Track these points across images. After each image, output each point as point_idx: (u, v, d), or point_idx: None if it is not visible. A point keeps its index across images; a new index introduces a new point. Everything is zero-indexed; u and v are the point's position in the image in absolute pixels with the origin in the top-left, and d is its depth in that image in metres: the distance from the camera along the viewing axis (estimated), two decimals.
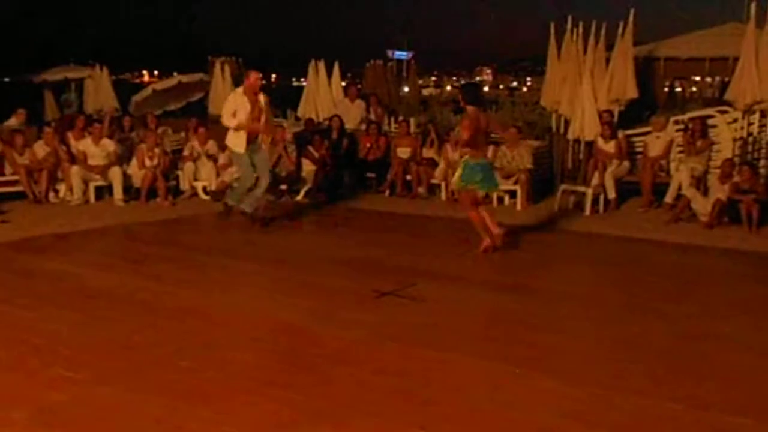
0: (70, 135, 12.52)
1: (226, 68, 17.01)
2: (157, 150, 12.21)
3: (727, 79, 13.14)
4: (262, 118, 9.62)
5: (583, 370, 4.95)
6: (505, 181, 11.88)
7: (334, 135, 13.47)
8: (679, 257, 8.54)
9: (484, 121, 8.40)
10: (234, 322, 5.95)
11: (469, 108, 8.24)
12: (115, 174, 11.79)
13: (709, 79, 17.90)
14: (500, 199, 11.95)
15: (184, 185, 12.54)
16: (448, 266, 7.88)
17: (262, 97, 9.62)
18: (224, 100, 16.21)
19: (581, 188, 11.60)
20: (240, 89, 9.71)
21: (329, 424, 4.13)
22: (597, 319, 6.14)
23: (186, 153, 12.77)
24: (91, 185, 11.88)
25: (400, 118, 15.11)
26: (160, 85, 19.29)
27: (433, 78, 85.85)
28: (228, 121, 9.52)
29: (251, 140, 9.56)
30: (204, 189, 12.46)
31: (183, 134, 14.13)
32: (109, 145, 12.23)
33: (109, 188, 11.92)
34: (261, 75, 9.79)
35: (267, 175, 9.83)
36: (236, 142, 9.56)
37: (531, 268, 7.99)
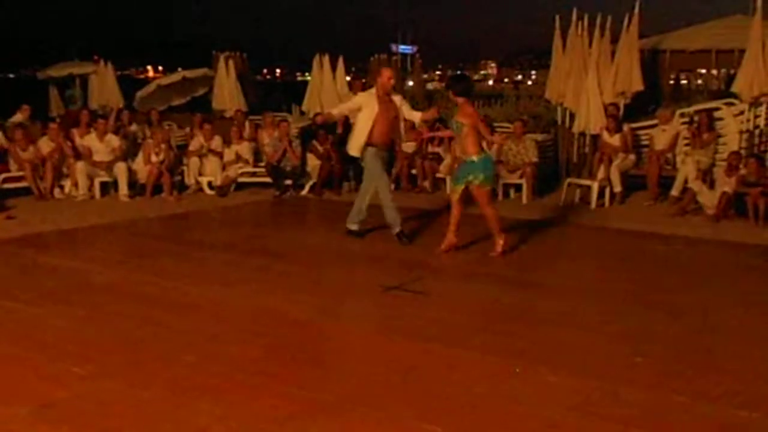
0: (74, 131, 12.53)
1: (231, 63, 16.97)
2: (163, 145, 12.20)
3: (733, 71, 13.10)
4: (415, 117, 8.94)
5: (589, 363, 4.93)
6: (510, 174, 11.88)
7: (340, 130, 13.43)
8: (685, 250, 8.50)
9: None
10: (239, 317, 5.94)
11: (460, 99, 7.96)
12: (120, 169, 11.79)
13: (714, 72, 17.82)
14: (506, 193, 11.93)
15: (189, 180, 12.54)
16: (453, 260, 7.86)
17: (397, 100, 8.74)
18: (228, 95, 16.49)
19: (587, 182, 11.56)
20: (372, 90, 8.75)
21: (334, 417, 4.12)
22: (603, 312, 6.12)
23: (192, 148, 12.77)
24: (96, 181, 11.88)
25: None
26: (165, 81, 19.25)
27: (438, 72, 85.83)
28: (335, 109, 9.31)
29: (384, 143, 8.63)
30: (209, 184, 12.46)
31: (188, 129, 14.13)
32: (114, 140, 12.22)
33: (114, 184, 11.92)
34: (393, 73, 8.92)
35: (367, 191, 8.82)
36: (352, 144, 8.73)
37: (537, 262, 7.97)
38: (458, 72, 9.34)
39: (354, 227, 8.84)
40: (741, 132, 11.34)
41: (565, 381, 4.62)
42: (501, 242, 7.89)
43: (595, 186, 11.30)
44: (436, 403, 4.31)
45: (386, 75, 8.62)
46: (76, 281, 6.97)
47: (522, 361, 4.96)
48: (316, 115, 13.68)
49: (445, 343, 5.29)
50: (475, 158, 7.83)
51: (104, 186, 11.99)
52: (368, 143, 8.50)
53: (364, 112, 8.52)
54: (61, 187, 11.89)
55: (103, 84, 17.88)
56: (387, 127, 8.55)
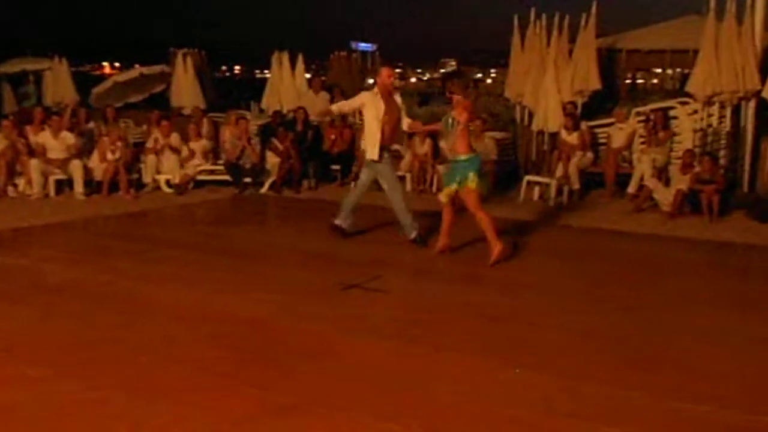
0: (28, 128, 12.30)
1: (188, 60, 16.81)
2: (119, 143, 12.04)
3: (687, 71, 13.30)
4: (405, 122, 8.49)
5: (548, 360, 4.98)
6: None
7: (299, 127, 13.40)
8: (641, 247, 8.62)
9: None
10: (197, 316, 5.88)
11: (457, 96, 7.62)
12: (76, 167, 11.61)
13: (670, 71, 18.11)
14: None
15: (147, 178, 12.40)
16: (413, 258, 7.88)
17: (398, 99, 8.50)
18: (186, 93, 16.33)
19: (545, 179, 11.67)
20: (375, 90, 8.44)
21: (294, 417, 4.10)
22: (560, 309, 6.18)
23: (149, 145, 12.62)
24: (51, 179, 11.68)
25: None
26: (122, 77, 19.04)
27: (398, 70, 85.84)
28: (334, 106, 9.09)
29: (390, 144, 8.50)
30: (167, 182, 12.33)
31: (145, 127, 13.96)
32: (69, 138, 12.03)
33: (70, 182, 11.73)
34: (393, 72, 8.66)
35: (398, 191, 8.54)
36: (370, 149, 8.38)
37: None
38: (453, 68, 9.17)
39: (338, 222, 8.68)
40: (695, 130, 11.54)
41: (524, 378, 4.66)
42: (496, 250, 7.49)
43: (554, 183, 11.42)
44: (395, 401, 4.31)
45: (385, 73, 8.34)
46: (29, 281, 6.84)
47: (481, 358, 4.99)
48: (299, 108, 13.64)
49: (404, 342, 5.30)
50: (464, 157, 7.60)
51: (59, 184, 11.80)
52: (382, 146, 8.26)
53: (370, 112, 8.26)
54: (15, 186, 11.67)
55: (58, 80, 17.61)
56: (394, 128, 8.37)
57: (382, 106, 8.18)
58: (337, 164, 13.27)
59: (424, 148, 12.43)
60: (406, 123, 8.47)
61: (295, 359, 4.93)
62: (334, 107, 9.10)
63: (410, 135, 12.80)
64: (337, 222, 8.59)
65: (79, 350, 5.07)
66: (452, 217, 7.81)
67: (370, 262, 7.60)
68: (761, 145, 11.37)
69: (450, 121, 7.61)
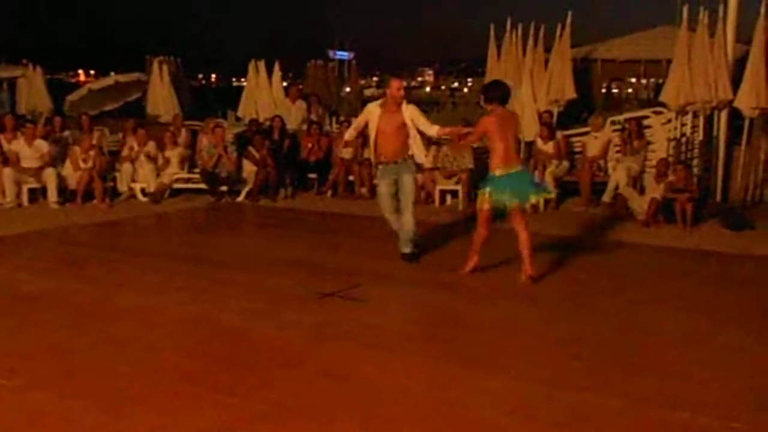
0: (1, 136, 12.17)
1: (164, 68, 16.71)
2: (92, 152, 11.94)
3: (661, 80, 13.48)
4: (411, 135, 7.87)
5: (525, 367, 4.99)
6: (446, 180, 11.98)
7: (276, 135, 13.37)
8: (616, 255, 8.68)
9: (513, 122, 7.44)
10: (173, 325, 5.84)
11: (491, 107, 7.17)
12: (50, 176, 11.50)
13: (644, 81, 18.33)
14: (442, 199, 12.02)
15: (122, 187, 12.31)
16: (391, 267, 7.87)
17: (409, 111, 7.84)
18: (162, 100, 16.23)
19: None
20: (380, 102, 8.02)
21: (272, 426, 4.08)
22: (538, 316, 6.21)
23: (124, 153, 12.54)
24: (24, 187, 11.57)
25: (342, 118, 15.08)
26: (96, 85, 18.86)
27: (375, 78, 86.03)
28: (347, 133, 8.53)
29: (391, 157, 7.86)
30: (142, 191, 12.25)
31: (120, 135, 13.85)
32: (43, 146, 11.91)
33: (43, 190, 11.63)
34: (403, 84, 8.07)
35: (410, 206, 7.88)
36: (375, 157, 8.10)
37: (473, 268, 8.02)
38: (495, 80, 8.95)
39: (406, 250, 8.05)
40: (669, 140, 11.68)
41: (503, 384, 4.67)
42: (472, 264, 7.42)
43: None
44: (374, 409, 4.30)
45: (395, 85, 7.84)
46: (3, 290, 6.76)
47: (460, 365, 4.99)
48: (275, 117, 13.57)
49: (382, 349, 5.29)
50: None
51: (33, 192, 11.68)
52: (377, 161, 8.01)
53: (371, 124, 7.92)
54: None
55: (32, 88, 17.39)
56: (393, 142, 7.80)
57: (376, 119, 7.84)
58: (314, 172, 13.26)
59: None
60: (433, 130, 7.99)
61: (272, 368, 4.91)
62: (347, 135, 8.67)
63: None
64: (406, 250, 8.04)
65: (55, 360, 5.01)
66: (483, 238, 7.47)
67: (348, 271, 7.59)
68: (733, 155, 11.54)
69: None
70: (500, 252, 7.96)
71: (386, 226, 8.16)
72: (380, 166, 8.00)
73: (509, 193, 7.04)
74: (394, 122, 7.79)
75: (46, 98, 17.17)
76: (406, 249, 8.00)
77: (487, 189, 7.14)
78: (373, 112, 7.90)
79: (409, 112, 7.85)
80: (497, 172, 7.09)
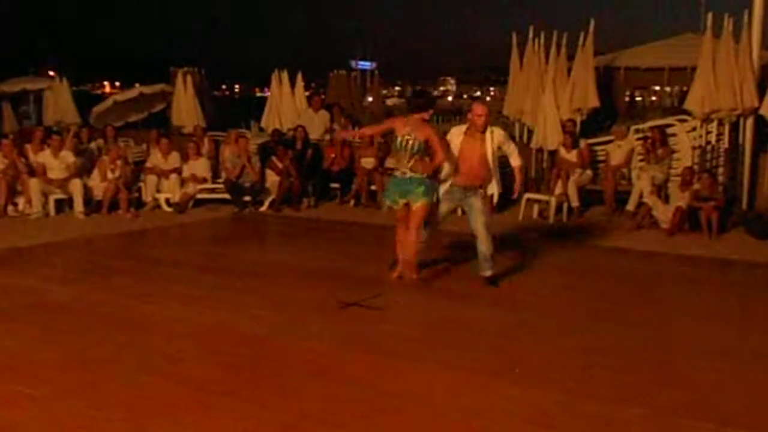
0: (28, 147, 12.33)
1: (189, 79, 16.86)
2: (119, 162, 12.07)
3: (685, 88, 13.37)
4: (515, 160, 7.79)
5: (548, 377, 4.97)
6: None
7: (298, 145, 13.43)
8: (641, 264, 8.63)
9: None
10: (197, 336, 5.87)
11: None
12: (76, 186, 11.63)
13: (668, 89, 18.19)
14: (464, 210, 11.97)
15: (147, 197, 12.42)
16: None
17: (494, 137, 7.55)
18: (186, 111, 16.37)
19: (545, 197, 11.69)
20: (463, 127, 7.71)
21: None
22: (561, 326, 6.17)
23: (149, 165, 12.65)
24: (51, 198, 11.70)
25: None
26: (121, 96, 19.09)
27: (397, 88, 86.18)
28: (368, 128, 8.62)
29: (464, 183, 7.58)
30: (167, 201, 12.35)
31: (145, 146, 14.00)
32: (69, 157, 12.05)
33: (70, 201, 11.75)
34: (486, 110, 7.64)
35: (481, 230, 7.56)
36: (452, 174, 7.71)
37: None
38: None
39: (486, 273, 7.62)
40: (694, 148, 11.59)
41: (523, 394, 4.65)
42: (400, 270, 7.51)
43: (553, 201, 11.43)
44: (396, 418, 4.30)
45: (477, 112, 7.53)
46: (29, 300, 6.83)
47: (480, 374, 4.98)
48: (298, 127, 13.68)
49: (404, 358, 5.29)
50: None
51: (59, 203, 11.81)
52: (444, 179, 7.65)
53: (451, 145, 7.59)
54: (15, 205, 11.68)
55: (58, 100, 17.62)
56: (473, 168, 7.50)
57: (466, 141, 7.53)
58: (337, 182, 13.30)
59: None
60: (518, 162, 7.83)
61: (295, 377, 4.92)
62: (368, 130, 9.08)
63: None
64: (488, 274, 7.62)
65: (80, 369, 5.06)
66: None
67: (369, 280, 7.60)
68: (759, 162, 11.42)
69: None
70: (522, 262, 7.94)
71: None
72: (449, 185, 7.64)
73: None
74: (476, 150, 7.51)
75: (73, 110, 17.39)
76: (492, 270, 7.58)
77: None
78: (456, 135, 7.61)
79: (497, 140, 7.58)
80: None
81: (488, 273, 7.54)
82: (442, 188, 7.64)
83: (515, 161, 7.79)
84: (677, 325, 6.24)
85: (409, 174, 7.31)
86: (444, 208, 7.71)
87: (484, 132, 7.53)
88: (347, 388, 4.74)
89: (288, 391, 4.70)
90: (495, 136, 7.55)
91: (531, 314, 6.52)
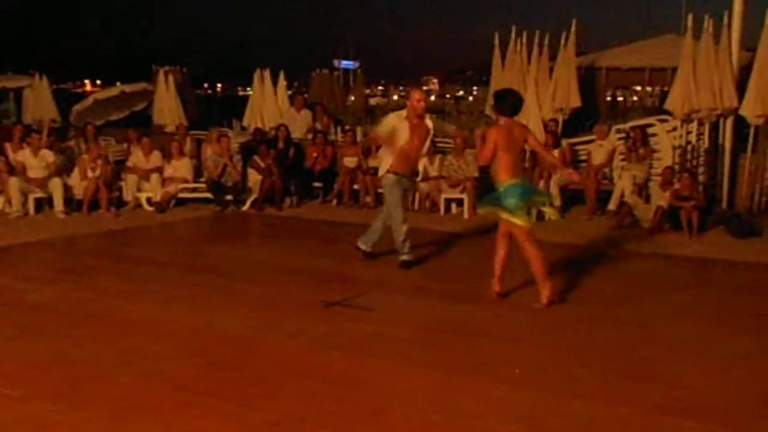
0: (8, 146, 12.21)
1: (170, 78, 16.76)
2: (99, 161, 11.98)
3: (666, 88, 13.46)
4: (425, 146, 8.11)
5: (532, 376, 4.98)
6: (451, 189, 11.97)
7: (281, 144, 13.39)
8: (622, 263, 8.66)
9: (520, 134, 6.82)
10: (178, 335, 5.84)
11: (501, 119, 6.78)
12: (56, 185, 11.52)
13: (649, 89, 18.29)
14: (447, 208, 12.01)
15: (128, 196, 12.33)
16: (396, 275, 7.86)
17: (429, 122, 8.06)
18: (168, 110, 16.28)
19: None
20: (402, 112, 8.07)
21: None
22: (544, 325, 6.19)
23: (129, 164, 12.57)
24: (31, 197, 11.59)
25: (347, 127, 15.10)
26: (102, 95, 18.92)
27: (380, 87, 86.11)
28: (383, 137, 8.07)
29: (408, 170, 8.02)
30: (148, 200, 12.27)
31: (125, 145, 13.89)
32: (49, 155, 11.94)
33: (50, 200, 11.64)
34: (424, 95, 8.11)
35: (399, 219, 8.00)
36: (385, 167, 8.05)
37: (478, 277, 7.97)
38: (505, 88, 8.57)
39: (364, 247, 8.35)
40: (674, 148, 11.66)
41: (508, 394, 4.66)
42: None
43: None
44: (382, 418, 4.29)
45: (415, 97, 7.92)
46: (8, 300, 6.76)
47: (465, 374, 4.98)
48: (280, 126, 13.62)
49: (387, 358, 5.28)
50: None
51: (39, 202, 11.70)
52: (390, 170, 7.97)
53: (397, 135, 7.89)
54: None
55: (38, 98, 17.46)
56: (414, 154, 7.99)
57: (407, 131, 7.87)
58: (320, 181, 13.27)
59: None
60: (451, 128, 8.25)
61: (278, 377, 4.90)
62: (377, 136, 8.39)
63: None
64: (405, 258, 8.07)
65: (59, 369, 5.01)
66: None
67: (353, 280, 7.59)
68: (739, 162, 11.51)
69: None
70: (506, 262, 7.93)
71: (390, 234, 8.15)
72: (395, 177, 7.94)
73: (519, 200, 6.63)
74: (417, 136, 7.86)
75: (53, 108, 17.22)
76: (409, 257, 8.07)
77: (512, 202, 6.58)
78: (397, 121, 7.90)
79: (432, 125, 8.00)
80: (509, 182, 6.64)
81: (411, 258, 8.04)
82: (387, 180, 7.93)
83: (452, 129, 8.02)
84: (659, 323, 6.27)
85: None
86: (399, 201, 7.98)
87: (422, 118, 7.88)
88: (330, 388, 4.72)
89: (270, 390, 4.68)
90: (431, 121, 8.01)
91: (516, 314, 6.52)
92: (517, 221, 6.59)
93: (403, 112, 8.04)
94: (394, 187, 7.97)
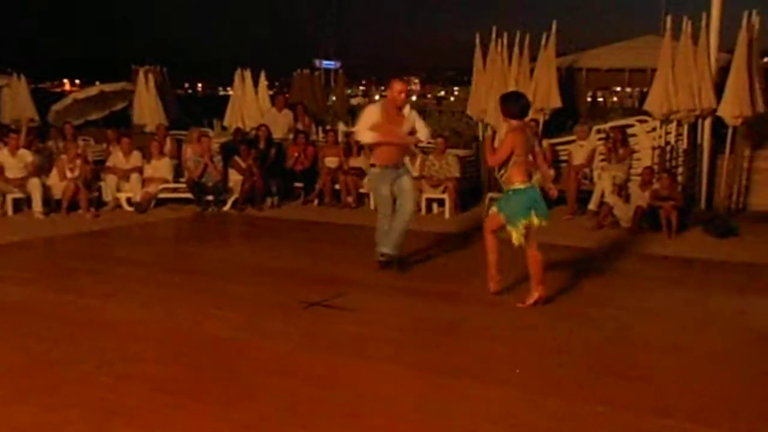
0: None
1: (150, 77, 16.68)
2: (78, 161, 11.89)
3: (645, 89, 13.55)
4: (423, 132, 7.96)
5: (511, 375, 5.00)
6: (433, 189, 11.99)
7: (262, 145, 13.35)
8: (601, 263, 8.71)
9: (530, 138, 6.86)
10: (158, 336, 5.81)
11: (514, 122, 6.74)
12: (34, 186, 11.43)
13: (629, 90, 18.43)
14: (429, 208, 12.03)
15: (107, 197, 12.25)
16: (377, 276, 7.86)
17: (407, 112, 7.86)
18: (148, 110, 16.19)
19: None
20: (381, 102, 8.02)
21: None
22: (523, 324, 6.21)
23: (109, 164, 12.48)
24: (9, 197, 11.49)
25: (328, 127, 15.09)
26: (81, 94, 18.81)
27: (362, 87, 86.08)
28: (363, 134, 7.85)
29: (392, 162, 7.83)
30: (128, 200, 12.20)
31: (105, 145, 13.80)
32: (27, 155, 11.85)
33: (28, 200, 11.54)
34: (405, 87, 7.92)
35: (410, 207, 7.88)
36: (374, 160, 7.99)
37: (458, 276, 8.03)
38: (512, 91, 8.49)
39: (392, 252, 7.96)
40: (653, 148, 11.74)
41: (487, 393, 4.67)
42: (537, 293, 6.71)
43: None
44: (362, 419, 4.29)
45: (397, 88, 7.71)
46: None
47: (444, 374, 4.99)
48: (261, 126, 13.55)
49: (367, 358, 5.29)
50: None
51: (17, 203, 11.60)
52: (372, 163, 7.95)
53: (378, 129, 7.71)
54: None
55: (16, 97, 17.32)
56: (396, 146, 7.81)
57: (386, 121, 7.69)
58: (300, 182, 13.25)
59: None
60: (424, 134, 7.99)
61: (258, 377, 4.89)
62: (367, 137, 7.93)
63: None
64: (392, 252, 7.94)
65: (38, 371, 4.97)
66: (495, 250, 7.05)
67: (333, 280, 7.58)
68: (717, 163, 11.62)
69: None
70: (485, 261, 7.96)
71: (372, 234, 8.15)
72: (378, 170, 7.87)
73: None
74: (399, 124, 7.74)
75: (31, 108, 17.10)
76: (393, 251, 7.91)
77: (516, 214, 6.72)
78: (380, 113, 7.72)
79: (413, 116, 7.85)
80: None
81: (394, 252, 7.90)
82: (371, 175, 7.92)
83: (424, 135, 8.04)
84: (637, 323, 6.31)
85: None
86: (385, 193, 7.83)
87: (401, 109, 7.76)
88: (310, 389, 4.72)
89: (250, 391, 4.66)
90: (411, 112, 7.85)
91: (495, 313, 6.54)
92: (513, 234, 6.69)
93: (381, 103, 7.95)
94: (378, 181, 7.91)
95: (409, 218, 7.89)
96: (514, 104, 6.79)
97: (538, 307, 6.65)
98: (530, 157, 6.82)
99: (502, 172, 6.80)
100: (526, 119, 7.00)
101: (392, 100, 7.77)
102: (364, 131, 7.78)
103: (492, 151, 6.94)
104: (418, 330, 6.10)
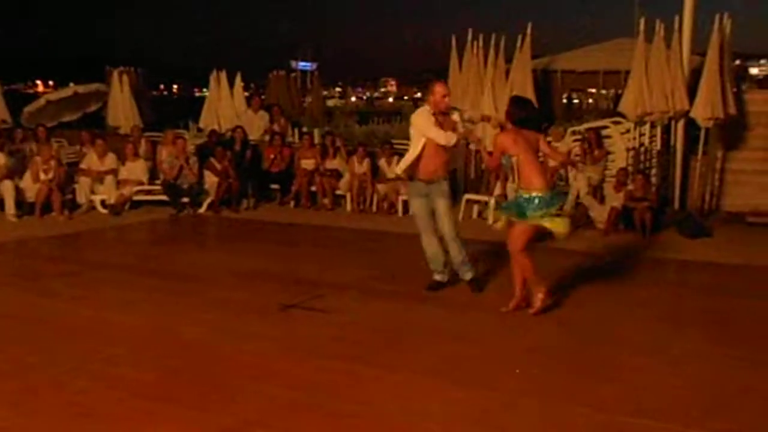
0: None
1: (125, 79, 16.54)
2: (52, 163, 11.77)
3: (620, 91, 13.65)
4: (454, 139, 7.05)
5: (491, 378, 5.01)
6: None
7: (237, 146, 13.30)
8: (577, 263, 8.76)
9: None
10: (134, 340, 5.76)
11: (509, 126, 6.69)
12: (7, 188, 11.29)
13: (603, 92, 18.55)
14: (405, 209, 12.04)
15: (81, 199, 12.13)
16: (354, 277, 7.86)
17: (457, 118, 7.12)
18: (122, 111, 16.04)
19: (484, 198, 11.80)
20: (424, 110, 7.03)
21: None
22: (501, 327, 6.24)
23: (83, 166, 12.37)
24: None
25: (304, 129, 15.06)
26: (55, 96, 18.60)
27: (338, 89, 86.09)
28: (443, 136, 6.89)
29: (424, 176, 7.02)
30: (102, 202, 12.09)
31: (79, 147, 13.66)
32: (0, 158, 11.71)
33: (1, 203, 11.40)
34: (448, 90, 7.12)
35: (447, 230, 7.14)
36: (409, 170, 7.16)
37: None
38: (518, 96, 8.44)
39: (437, 277, 7.37)
40: (628, 149, 11.84)
41: (468, 396, 4.68)
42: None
43: (492, 202, 11.50)
44: (341, 422, 4.29)
45: (439, 92, 6.91)
46: None
47: (425, 376, 5.00)
48: (237, 127, 13.46)
49: (348, 361, 5.27)
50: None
51: None
52: (410, 176, 7.15)
53: (418, 134, 6.99)
54: None
55: None
56: (437, 157, 6.99)
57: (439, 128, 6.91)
58: (277, 183, 13.21)
59: (363, 167, 12.49)
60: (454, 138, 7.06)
61: (236, 381, 4.87)
62: (446, 137, 6.95)
63: (347, 154, 12.93)
64: (468, 276, 7.33)
65: (11, 376, 4.91)
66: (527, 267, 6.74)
67: (310, 282, 7.56)
68: (690, 164, 11.74)
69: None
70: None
71: (348, 236, 8.15)
72: (410, 181, 7.22)
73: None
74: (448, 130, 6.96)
75: (3, 109, 16.85)
76: (468, 275, 7.31)
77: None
78: (426, 119, 6.91)
79: (458, 119, 7.15)
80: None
81: (468, 276, 7.28)
82: (408, 187, 7.22)
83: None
84: (614, 323, 6.36)
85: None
86: (418, 211, 7.21)
87: (447, 114, 7.00)
88: (290, 392, 4.70)
89: (229, 395, 4.64)
90: (457, 116, 7.12)
91: (473, 316, 6.56)
92: (554, 226, 6.65)
93: (427, 108, 7.03)
94: (410, 194, 7.41)
95: (452, 241, 7.15)
96: (519, 110, 6.71)
97: (515, 309, 6.67)
98: (540, 156, 6.74)
99: (514, 177, 6.74)
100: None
101: (435, 105, 6.93)
102: (438, 132, 6.87)
103: (489, 154, 6.88)
104: (396, 331, 6.10)
